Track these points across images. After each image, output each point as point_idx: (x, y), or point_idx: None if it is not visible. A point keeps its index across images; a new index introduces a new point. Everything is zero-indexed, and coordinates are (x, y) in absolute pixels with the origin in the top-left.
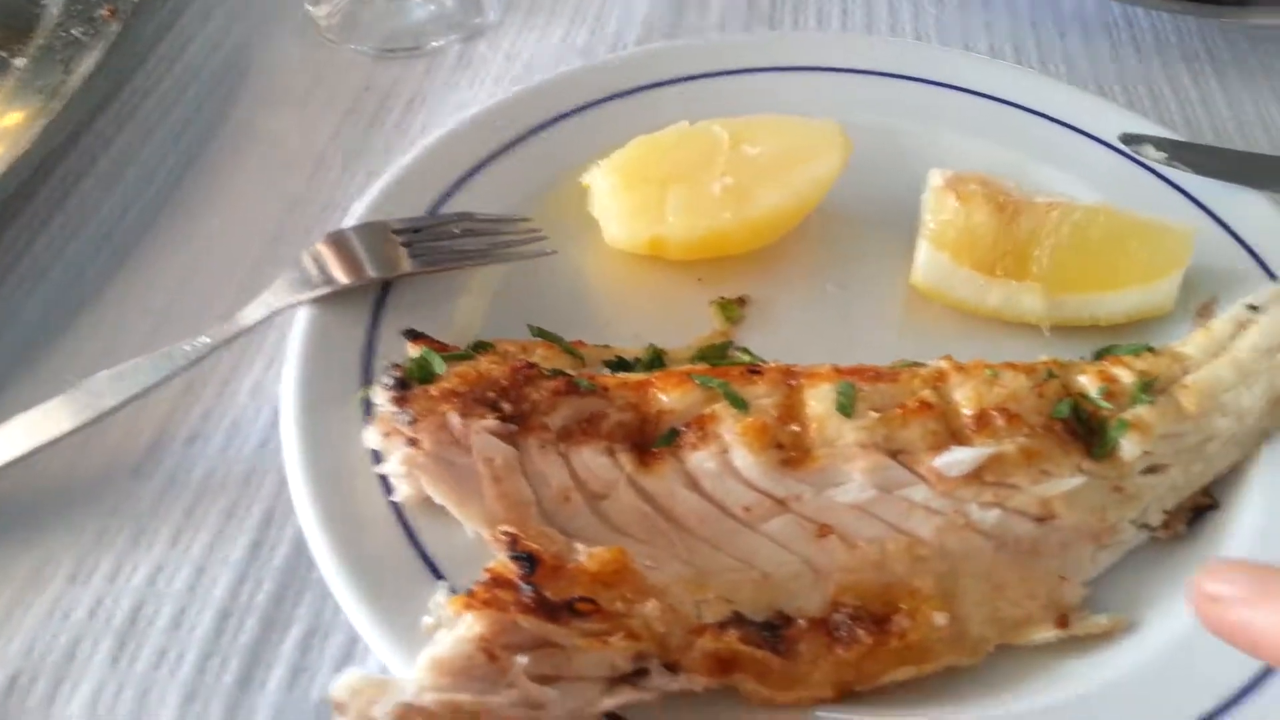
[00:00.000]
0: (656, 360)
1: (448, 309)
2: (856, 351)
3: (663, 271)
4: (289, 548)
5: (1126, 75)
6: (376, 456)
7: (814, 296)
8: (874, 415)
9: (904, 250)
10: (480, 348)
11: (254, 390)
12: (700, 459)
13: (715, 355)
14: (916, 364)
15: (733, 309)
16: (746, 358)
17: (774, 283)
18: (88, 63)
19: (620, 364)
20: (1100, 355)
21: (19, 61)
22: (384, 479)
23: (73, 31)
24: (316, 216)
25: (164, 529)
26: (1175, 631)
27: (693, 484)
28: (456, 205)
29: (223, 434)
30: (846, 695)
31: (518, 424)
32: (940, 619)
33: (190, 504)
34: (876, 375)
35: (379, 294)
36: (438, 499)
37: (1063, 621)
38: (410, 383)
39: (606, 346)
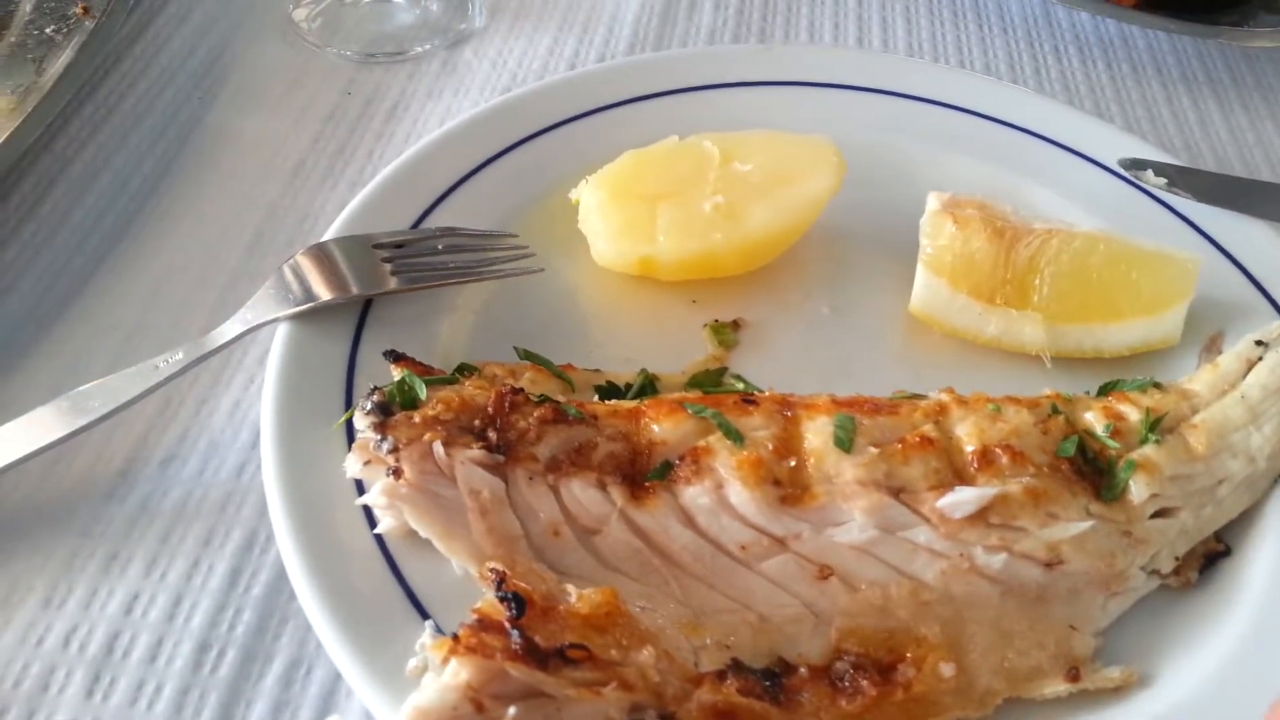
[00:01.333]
0: (648, 386)
1: (432, 328)
2: (853, 379)
3: (655, 292)
4: (270, 575)
5: (1124, 96)
6: (359, 486)
7: (809, 321)
8: (874, 450)
9: (901, 274)
10: (465, 371)
11: (233, 410)
12: (695, 494)
13: (709, 382)
14: (916, 396)
15: (726, 333)
16: (741, 385)
17: (769, 305)
18: (60, 61)
19: (611, 390)
20: (1105, 390)
21: None
22: (367, 509)
23: (46, 30)
24: (295, 226)
25: (139, 555)
26: (1189, 686)
27: (687, 520)
28: (440, 219)
29: (200, 455)
30: None
31: (504, 454)
32: (947, 669)
33: (166, 529)
34: (875, 408)
35: (361, 311)
36: (422, 532)
37: (1074, 675)
38: (391, 408)
39: (597, 371)
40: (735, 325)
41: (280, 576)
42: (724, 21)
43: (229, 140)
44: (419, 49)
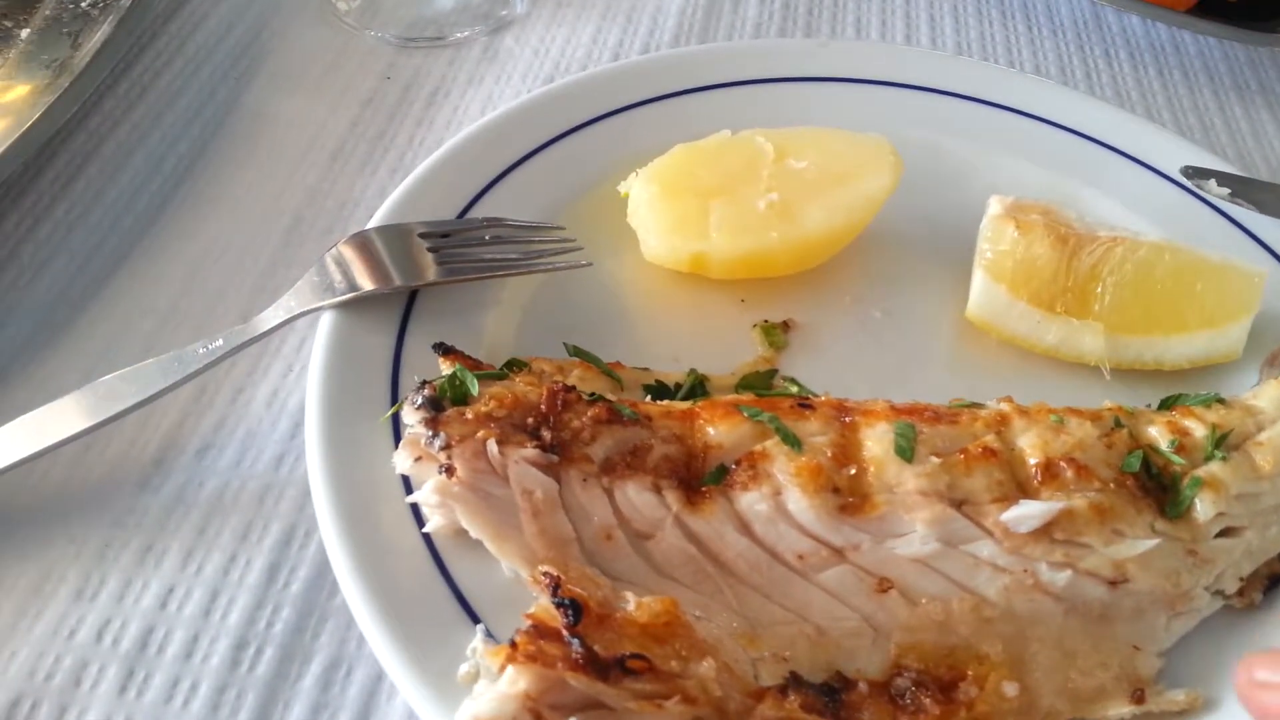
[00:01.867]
0: (699, 386)
1: (476, 321)
2: (906, 385)
3: (703, 290)
4: (309, 572)
5: (1175, 104)
6: (407, 483)
7: (861, 324)
8: (935, 460)
9: (956, 278)
10: (514, 366)
11: (271, 399)
12: (751, 500)
13: (760, 383)
14: (975, 405)
15: (777, 334)
16: (794, 388)
17: (819, 307)
18: (96, 37)
19: (661, 389)
20: (1167, 404)
21: (24, 33)
22: (414, 506)
23: (81, 4)
24: (335, 212)
25: (174, 547)
26: None
27: (743, 527)
28: (485, 210)
29: (237, 445)
30: None
31: (558, 454)
32: (1010, 689)
33: (202, 521)
34: (935, 416)
35: (406, 302)
36: (473, 532)
37: (1139, 696)
38: (442, 403)
39: (646, 369)
40: (785, 326)
41: (320, 573)
42: (769, 15)
43: (266, 122)
44: (459, 34)
